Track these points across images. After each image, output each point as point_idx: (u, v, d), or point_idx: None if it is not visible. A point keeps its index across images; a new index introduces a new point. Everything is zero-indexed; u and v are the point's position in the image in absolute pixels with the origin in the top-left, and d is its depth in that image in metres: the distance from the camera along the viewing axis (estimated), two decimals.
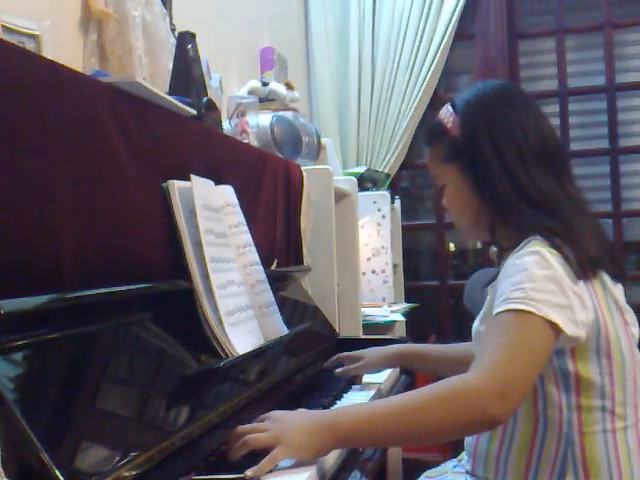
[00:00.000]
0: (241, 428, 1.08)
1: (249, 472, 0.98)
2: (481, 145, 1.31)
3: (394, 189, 3.63)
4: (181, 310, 1.26)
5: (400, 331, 3.21)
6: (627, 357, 1.25)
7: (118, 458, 0.88)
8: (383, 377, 1.75)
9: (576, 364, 1.21)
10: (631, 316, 1.31)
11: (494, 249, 1.44)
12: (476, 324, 1.36)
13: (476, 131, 1.32)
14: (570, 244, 1.22)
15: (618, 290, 1.30)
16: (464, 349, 1.57)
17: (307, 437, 1.05)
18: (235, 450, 1.05)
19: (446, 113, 1.38)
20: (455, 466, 1.47)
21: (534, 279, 1.15)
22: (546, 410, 1.24)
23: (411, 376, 1.94)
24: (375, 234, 3.20)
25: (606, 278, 1.28)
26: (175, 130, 1.40)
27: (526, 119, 1.33)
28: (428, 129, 1.48)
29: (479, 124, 1.33)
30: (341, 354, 1.74)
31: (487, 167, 1.31)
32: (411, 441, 1.18)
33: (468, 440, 1.38)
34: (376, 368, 1.73)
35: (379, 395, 1.66)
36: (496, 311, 1.16)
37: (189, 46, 1.70)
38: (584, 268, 1.21)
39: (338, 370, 1.69)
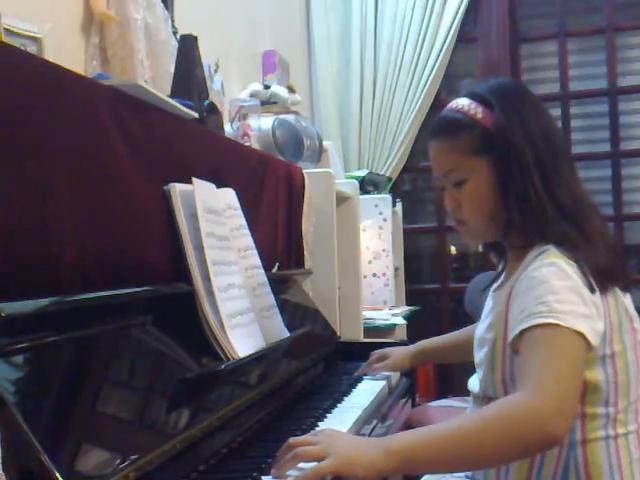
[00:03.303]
0: (293, 440, 1.04)
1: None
2: (517, 139, 1.25)
3: (395, 192, 3.63)
4: (182, 313, 1.26)
5: (401, 334, 3.21)
6: (631, 365, 1.24)
7: (119, 461, 0.88)
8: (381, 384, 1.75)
9: (583, 372, 1.19)
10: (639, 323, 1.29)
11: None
12: (480, 331, 1.34)
13: (511, 124, 1.26)
14: (585, 255, 1.20)
15: (628, 299, 1.29)
16: (471, 334, 1.52)
17: (358, 455, 1.01)
18: (285, 462, 1.01)
19: (469, 104, 1.30)
20: None
21: (556, 291, 1.14)
22: None
23: (411, 379, 1.94)
24: (376, 237, 3.20)
25: (617, 288, 1.26)
26: (177, 133, 1.40)
27: (551, 118, 1.32)
28: (444, 120, 1.34)
29: (514, 117, 1.27)
30: (373, 352, 1.84)
31: (520, 163, 1.24)
32: (468, 465, 1.16)
33: None
34: (401, 367, 1.82)
35: (387, 390, 1.68)
36: (522, 327, 1.13)
37: (191, 49, 1.70)
38: (599, 280, 1.20)
39: (360, 369, 1.80)
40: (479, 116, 1.28)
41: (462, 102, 1.31)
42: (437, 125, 1.36)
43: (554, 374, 1.07)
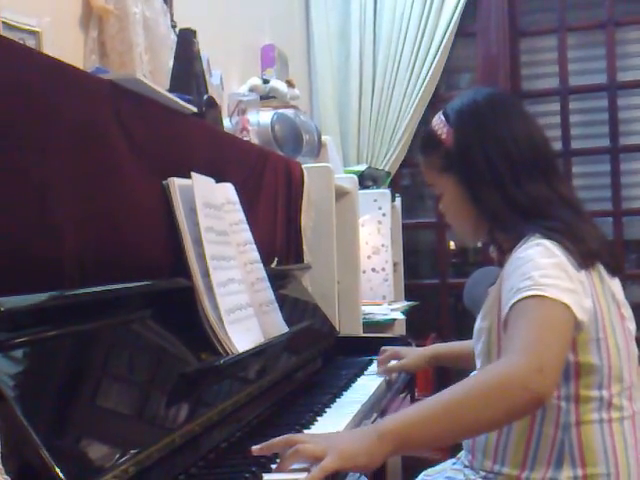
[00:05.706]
0: (293, 436, 1.06)
1: None
2: (474, 157, 1.34)
3: (395, 187, 3.63)
4: (181, 308, 1.26)
5: (400, 329, 3.21)
6: (622, 350, 1.28)
7: (118, 455, 0.88)
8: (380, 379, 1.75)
9: (576, 355, 1.24)
10: (628, 311, 1.33)
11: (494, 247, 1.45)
12: (478, 322, 1.38)
13: (469, 143, 1.35)
14: (568, 238, 1.24)
15: (615, 284, 1.32)
16: None
17: (356, 446, 1.02)
18: (288, 458, 1.02)
19: (439, 123, 1.40)
20: (454, 463, 1.47)
21: (540, 267, 1.18)
22: None
23: (410, 374, 1.93)
24: (375, 232, 3.20)
25: (603, 271, 1.30)
26: (176, 127, 1.40)
27: (517, 129, 1.35)
28: (422, 138, 1.49)
29: (472, 136, 1.35)
30: (385, 348, 1.83)
31: (480, 178, 1.33)
32: (462, 434, 1.20)
33: None
34: (419, 369, 1.84)
35: (386, 385, 1.69)
36: (510, 303, 1.17)
37: (190, 43, 1.70)
38: (584, 258, 1.24)
39: (379, 370, 1.78)
40: (443, 137, 1.38)
41: (436, 120, 1.42)
42: (420, 141, 1.50)
43: (535, 337, 1.11)
